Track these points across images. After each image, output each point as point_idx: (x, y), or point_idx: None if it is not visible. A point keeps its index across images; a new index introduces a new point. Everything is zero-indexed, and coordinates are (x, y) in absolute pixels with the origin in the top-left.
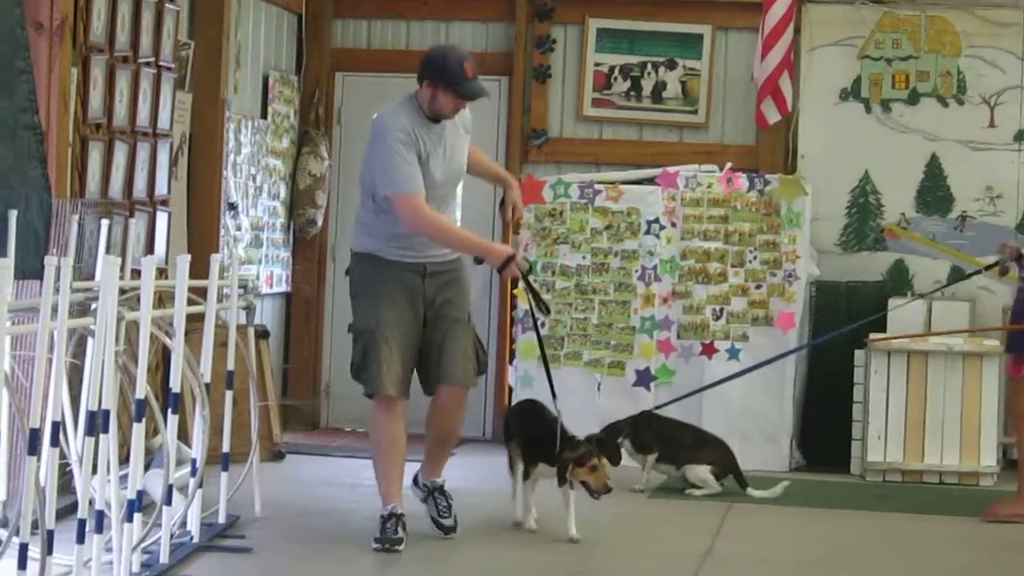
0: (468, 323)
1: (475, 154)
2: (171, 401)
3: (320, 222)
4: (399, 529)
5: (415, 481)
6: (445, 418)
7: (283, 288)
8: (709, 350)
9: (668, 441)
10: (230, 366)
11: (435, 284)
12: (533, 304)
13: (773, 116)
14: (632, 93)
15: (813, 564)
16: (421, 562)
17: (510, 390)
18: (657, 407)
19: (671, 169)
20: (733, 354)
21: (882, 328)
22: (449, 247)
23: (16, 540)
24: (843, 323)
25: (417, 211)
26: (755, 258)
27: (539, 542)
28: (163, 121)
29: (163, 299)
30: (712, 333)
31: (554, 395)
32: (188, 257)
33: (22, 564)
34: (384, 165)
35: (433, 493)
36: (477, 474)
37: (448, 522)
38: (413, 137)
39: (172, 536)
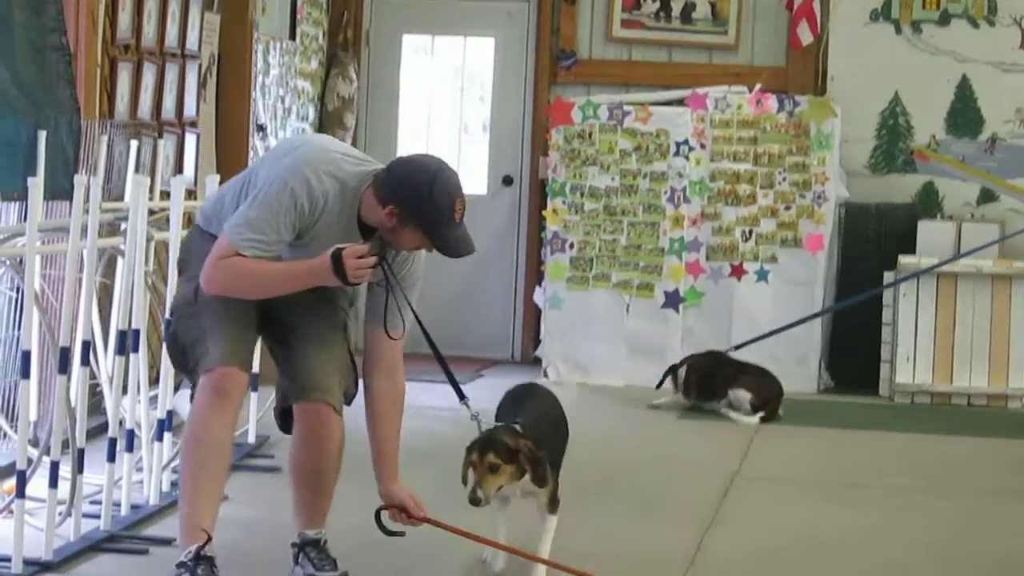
0: (344, 329)
1: (389, 405)
2: None
3: (348, 144)
4: None
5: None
6: (318, 455)
7: None
8: (738, 271)
9: (704, 382)
10: None
11: None
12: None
13: (807, 38)
14: (661, 14)
15: (843, 484)
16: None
17: (538, 311)
18: (738, 346)
19: (700, 90)
20: (762, 275)
21: (911, 249)
22: (263, 294)
23: (47, 459)
24: (871, 245)
25: (225, 269)
26: (784, 180)
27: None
28: (191, 42)
29: (192, 220)
30: (741, 254)
31: (461, 396)
32: (217, 178)
33: (53, 482)
34: (256, 206)
35: (304, 548)
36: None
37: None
38: (315, 215)
39: None
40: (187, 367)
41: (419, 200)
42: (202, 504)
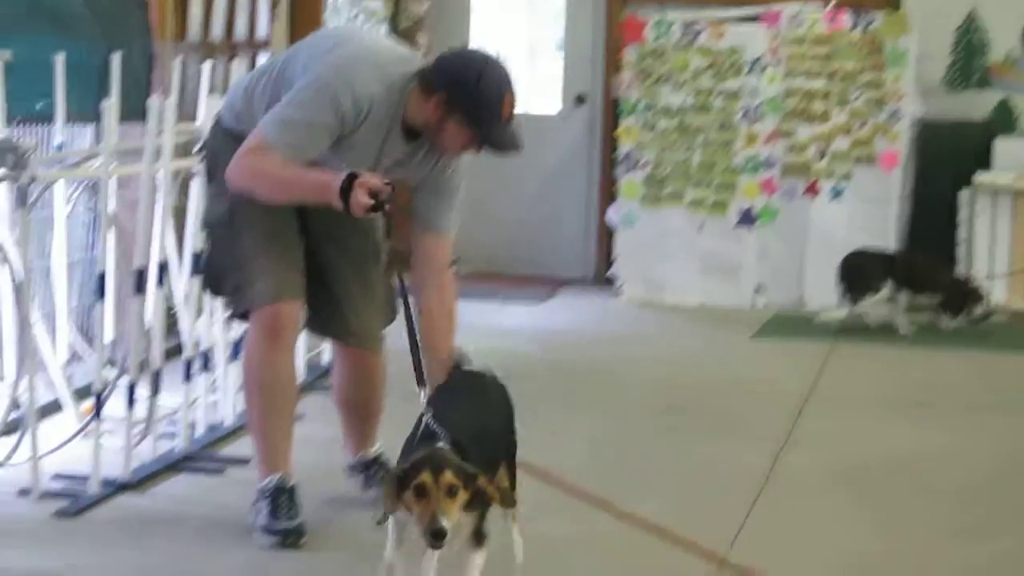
0: (378, 259)
1: (439, 304)
2: None
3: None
4: (295, 509)
5: (348, 469)
6: (362, 390)
7: None
8: (812, 189)
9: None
10: None
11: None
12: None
13: None
14: None
15: (918, 403)
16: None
17: (612, 231)
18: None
19: (775, 7)
20: (836, 194)
21: (987, 166)
22: (279, 199)
23: (124, 380)
24: (947, 163)
25: (249, 167)
26: (859, 97)
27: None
28: None
29: None
30: (815, 172)
31: (420, 381)
32: None
33: (130, 403)
34: (295, 107)
35: (368, 469)
36: (579, 316)
37: None
38: (358, 122)
39: None
40: (222, 292)
41: (466, 87)
42: (276, 439)
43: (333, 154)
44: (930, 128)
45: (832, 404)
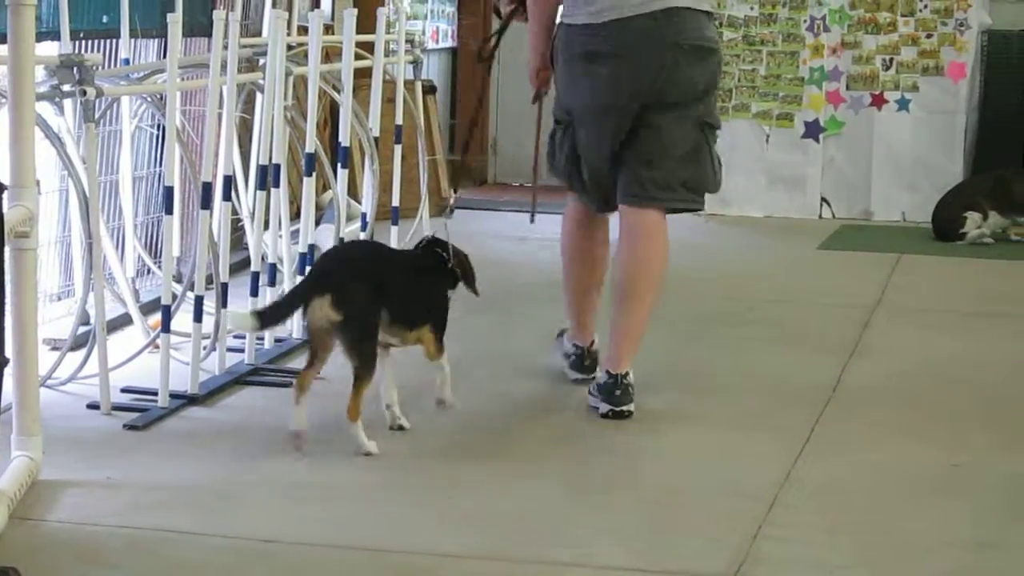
0: (686, 110)
1: None
2: (340, 156)
3: None
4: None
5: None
6: (621, 254)
7: (449, 43)
8: (879, 101)
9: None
10: (398, 120)
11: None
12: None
13: None
14: None
15: (988, 314)
16: None
17: None
18: None
19: None
20: (903, 105)
21: None
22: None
23: (191, 294)
24: (1015, 73)
25: None
26: (926, 7)
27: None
28: None
29: (330, 54)
30: (882, 83)
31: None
32: (355, 12)
33: (197, 317)
34: None
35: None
36: None
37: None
38: None
39: None
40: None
41: None
42: (568, 307)
43: None
44: (998, 38)
45: (899, 315)
